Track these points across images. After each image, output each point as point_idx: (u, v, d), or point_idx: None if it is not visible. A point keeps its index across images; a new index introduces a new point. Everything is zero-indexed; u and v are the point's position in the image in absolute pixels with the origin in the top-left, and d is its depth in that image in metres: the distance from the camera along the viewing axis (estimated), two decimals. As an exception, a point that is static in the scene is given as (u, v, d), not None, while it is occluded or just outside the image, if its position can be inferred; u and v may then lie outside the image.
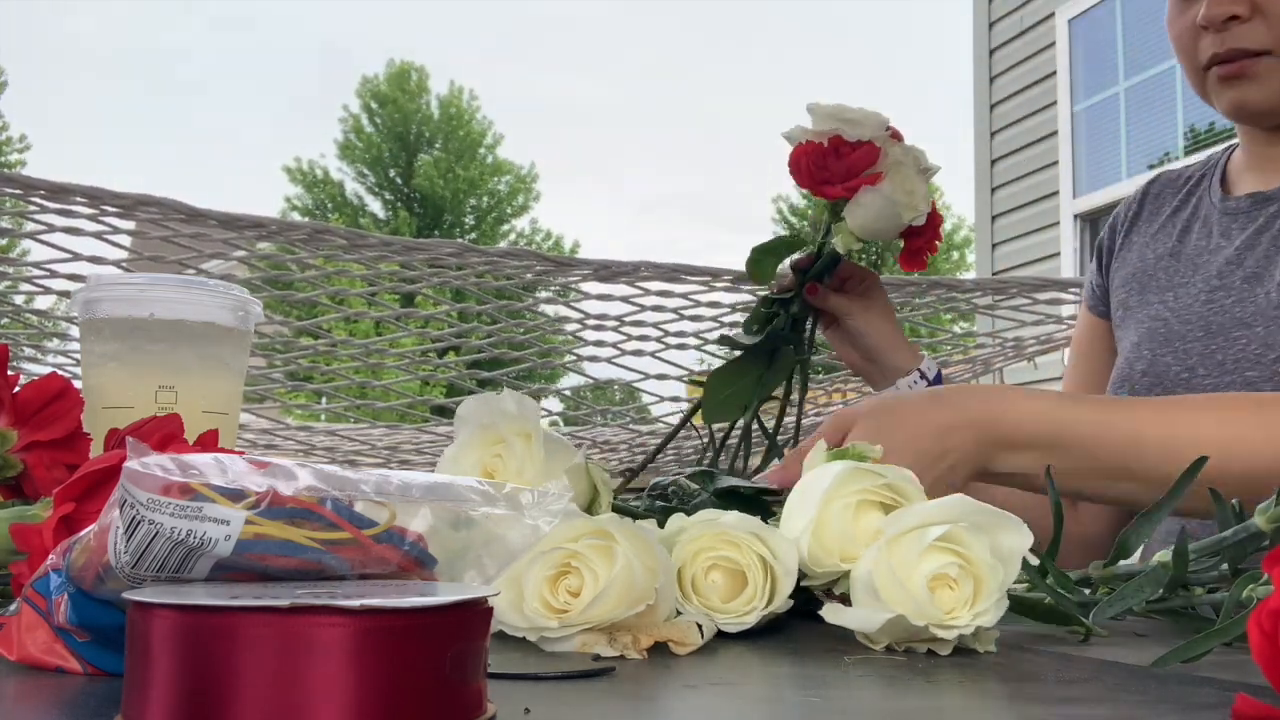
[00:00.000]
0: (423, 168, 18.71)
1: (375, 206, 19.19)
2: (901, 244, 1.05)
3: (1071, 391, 1.19)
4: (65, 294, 1.34)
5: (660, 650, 0.64)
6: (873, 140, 0.98)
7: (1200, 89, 1.04)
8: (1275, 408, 0.78)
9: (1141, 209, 1.18)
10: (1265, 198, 1.03)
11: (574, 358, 2.03)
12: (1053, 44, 5.76)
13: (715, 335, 1.93)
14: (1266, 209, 1.03)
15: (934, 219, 1.03)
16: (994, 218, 6.02)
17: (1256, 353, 0.95)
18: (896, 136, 1.02)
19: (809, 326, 1.09)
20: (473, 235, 18.82)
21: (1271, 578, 0.33)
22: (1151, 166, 5.27)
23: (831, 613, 0.59)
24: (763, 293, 1.13)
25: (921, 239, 1.03)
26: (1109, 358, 1.16)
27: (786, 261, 1.10)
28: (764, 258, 1.08)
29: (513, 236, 19.71)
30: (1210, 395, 0.93)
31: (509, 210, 19.75)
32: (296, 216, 17.06)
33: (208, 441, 0.70)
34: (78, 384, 0.79)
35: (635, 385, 2.05)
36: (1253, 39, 0.97)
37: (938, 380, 1.09)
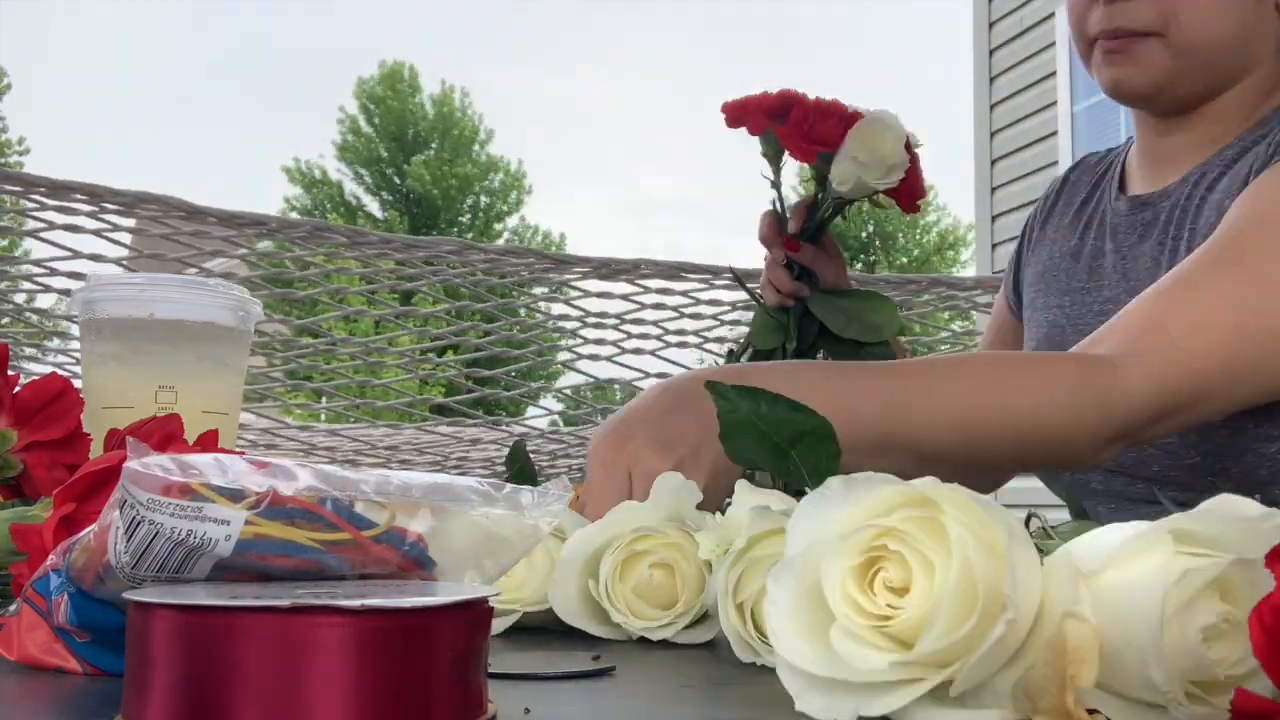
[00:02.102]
0: (415, 167, 18.74)
1: (374, 206, 19.22)
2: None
3: None
4: (65, 293, 1.34)
5: (660, 650, 0.65)
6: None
7: (1086, 62, 1.02)
8: (1009, 369, 0.78)
9: (1058, 199, 1.15)
10: (1142, 203, 1.01)
11: (574, 356, 2.03)
12: (1053, 44, 5.76)
13: (715, 333, 1.94)
14: (1143, 214, 1.00)
15: (911, 168, 1.03)
16: (994, 218, 6.03)
17: None
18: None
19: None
20: (470, 234, 18.85)
21: (1272, 574, 0.33)
22: (1151, 166, 5.29)
23: None
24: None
25: (909, 184, 1.03)
26: (1017, 343, 1.14)
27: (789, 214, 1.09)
28: (763, 323, 1.07)
29: (507, 235, 19.74)
30: (949, 359, 0.93)
31: (504, 208, 19.78)
32: (296, 216, 17.09)
33: (208, 441, 0.70)
34: (78, 384, 0.79)
35: (635, 384, 2.05)
36: (1139, 19, 0.95)
37: None
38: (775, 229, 1.07)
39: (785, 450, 0.58)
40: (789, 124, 1.02)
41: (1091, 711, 0.41)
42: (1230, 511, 0.42)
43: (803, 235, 1.05)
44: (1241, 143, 0.97)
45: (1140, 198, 1.02)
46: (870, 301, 1.02)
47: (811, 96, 1.05)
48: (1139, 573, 0.41)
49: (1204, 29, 0.94)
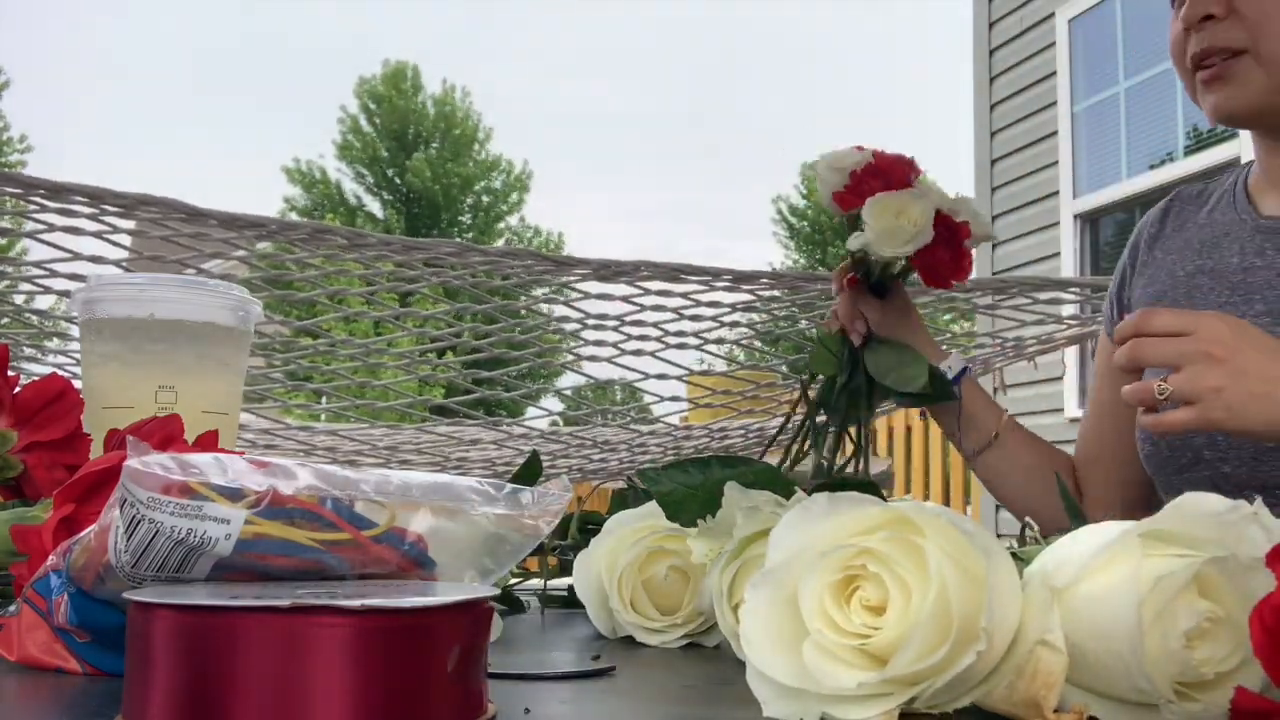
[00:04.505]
0: (415, 166, 18.75)
1: (374, 206, 19.23)
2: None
3: (1096, 418, 1.16)
4: (65, 294, 1.33)
5: (661, 650, 0.65)
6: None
7: (1192, 94, 1.02)
8: None
9: (1163, 226, 1.13)
10: None
11: (573, 357, 2.03)
12: (1053, 44, 5.76)
13: (715, 334, 1.93)
14: None
15: (948, 236, 1.06)
16: (994, 218, 6.03)
17: None
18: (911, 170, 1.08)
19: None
20: (470, 234, 18.85)
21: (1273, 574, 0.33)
22: (1152, 167, 5.27)
23: None
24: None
25: (929, 256, 1.06)
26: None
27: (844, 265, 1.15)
28: (822, 353, 1.15)
29: (508, 235, 19.75)
30: None
31: (504, 208, 19.79)
32: (295, 217, 17.08)
33: (208, 441, 0.70)
34: (78, 384, 0.79)
35: (635, 385, 2.05)
36: (1228, 37, 0.95)
37: (958, 380, 1.11)
38: (845, 271, 1.13)
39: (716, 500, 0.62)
40: (850, 178, 1.07)
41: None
42: (1196, 508, 0.43)
43: (868, 283, 1.12)
44: None
45: None
46: (904, 356, 1.09)
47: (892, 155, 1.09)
48: (1113, 582, 0.41)
49: None
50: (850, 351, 1.12)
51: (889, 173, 1.06)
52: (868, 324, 1.11)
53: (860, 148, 1.09)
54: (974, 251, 1.09)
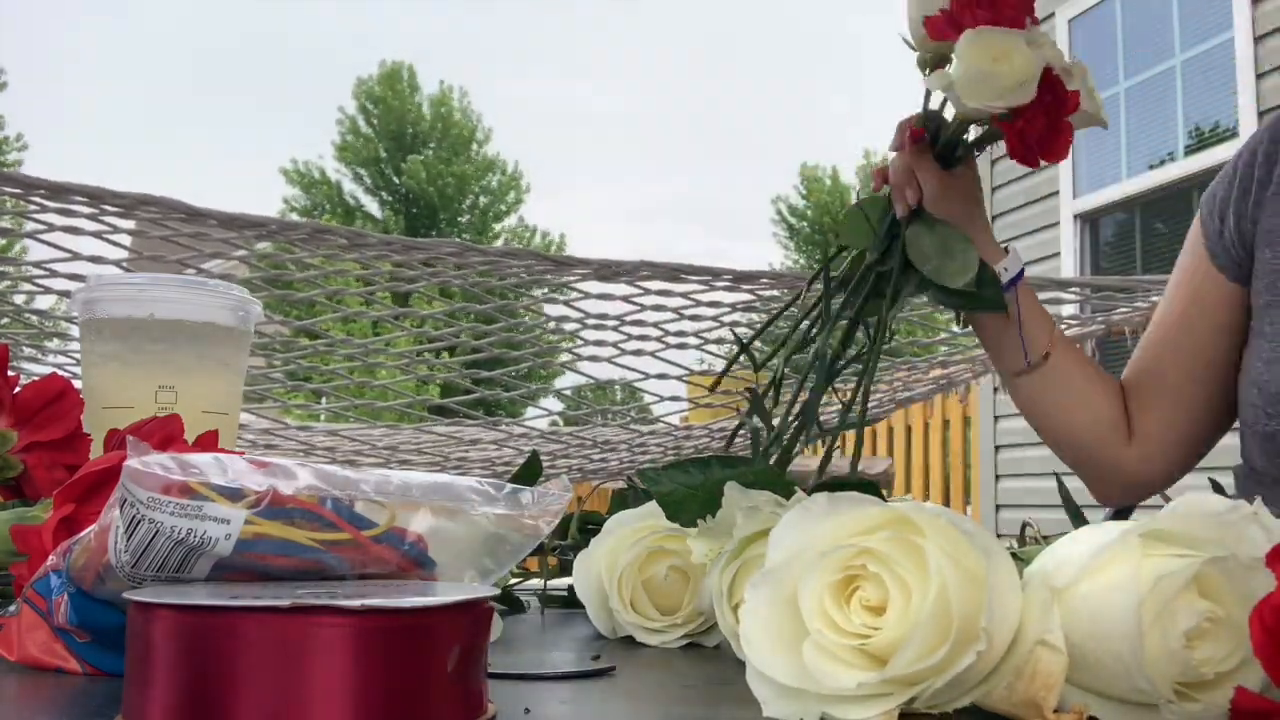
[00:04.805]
0: (412, 165, 18.77)
1: (372, 206, 19.23)
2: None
3: (1160, 334, 1.02)
4: (65, 294, 1.33)
5: (661, 650, 0.65)
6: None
7: None
8: None
9: (1271, 173, 0.95)
10: None
11: (573, 358, 2.03)
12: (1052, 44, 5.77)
13: (715, 334, 1.93)
14: None
15: (1053, 103, 0.86)
16: (994, 218, 6.03)
17: None
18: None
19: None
20: (468, 234, 18.86)
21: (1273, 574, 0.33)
22: (1152, 167, 5.27)
23: None
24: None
25: (1024, 121, 0.86)
26: (1220, 315, 0.98)
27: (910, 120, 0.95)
28: (856, 218, 0.95)
29: (506, 235, 19.76)
30: None
31: (502, 208, 19.81)
32: (294, 217, 17.09)
33: (208, 442, 0.70)
34: (78, 384, 0.79)
35: (635, 385, 2.05)
36: None
37: (1013, 284, 0.95)
38: (911, 123, 0.94)
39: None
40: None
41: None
42: (1197, 509, 0.43)
43: (935, 144, 0.93)
44: None
45: None
46: (954, 243, 0.90)
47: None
48: (1112, 582, 0.41)
49: None
50: (892, 225, 0.93)
51: (1001, 4, 0.84)
52: (921, 194, 0.92)
53: None
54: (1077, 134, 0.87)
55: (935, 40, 0.85)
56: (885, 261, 0.92)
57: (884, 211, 0.94)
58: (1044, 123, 0.86)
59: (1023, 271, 0.97)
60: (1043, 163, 0.87)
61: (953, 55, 0.85)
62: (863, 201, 0.95)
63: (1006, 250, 0.97)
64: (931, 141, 0.93)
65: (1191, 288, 1.01)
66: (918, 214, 0.93)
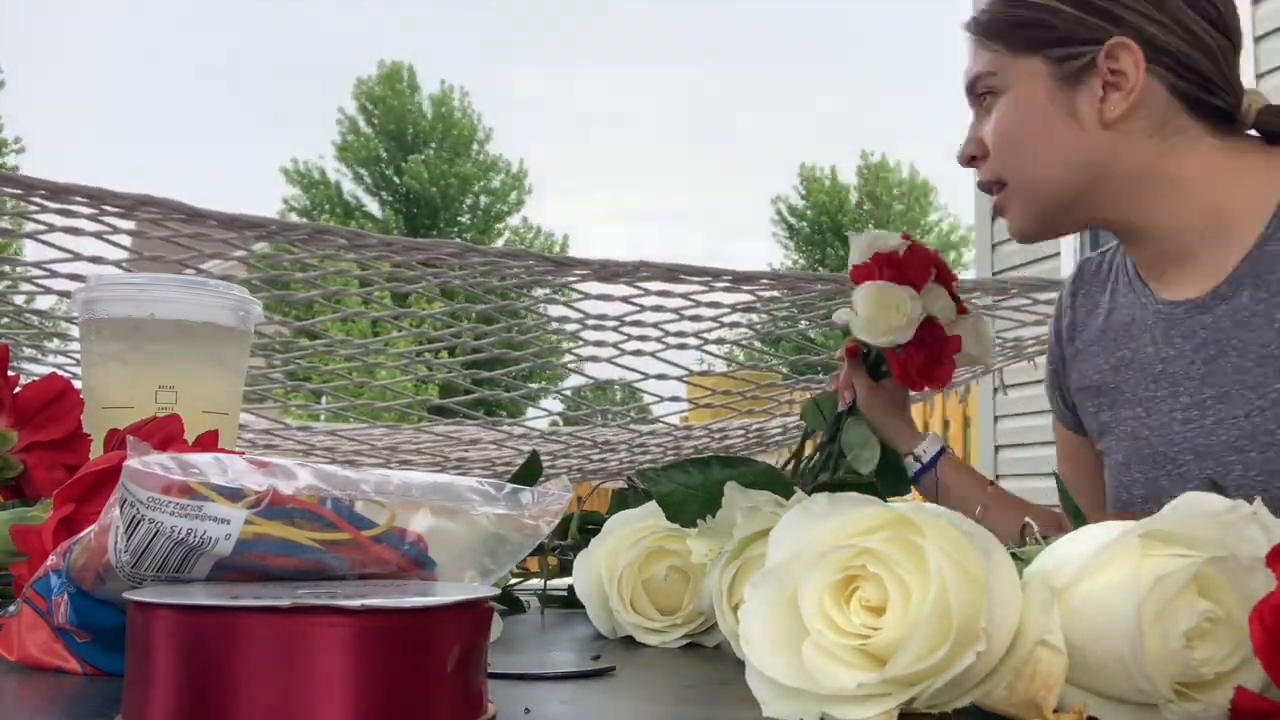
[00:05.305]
0: (413, 165, 18.77)
1: (373, 206, 19.24)
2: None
3: (1069, 482, 1.16)
4: (65, 294, 1.33)
5: (661, 650, 0.65)
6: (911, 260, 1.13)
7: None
8: None
9: (1075, 313, 1.12)
10: (1198, 306, 0.96)
11: (574, 358, 2.03)
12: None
13: (715, 335, 1.94)
14: (1201, 319, 0.96)
15: (931, 344, 1.12)
16: (994, 218, 6.03)
17: (1256, 478, 0.91)
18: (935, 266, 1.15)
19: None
20: (469, 235, 18.86)
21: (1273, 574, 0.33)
22: (1151, 167, 5.28)
23: None
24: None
25: (906, 354, 1.12)
26: (1092, 466, 1.12)
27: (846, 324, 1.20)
28: (814, 409, 1.21)
29: (508, 235, 19.76)
30: None
31: (504, 208, 19.81)
32: (294, 217, 17.09)
33: (207, 442, 0.70)
34: (78, 384, 0.79)
35: (635, 385, 2.05)
36: (989, 172, 1.03)
37: (931, 465, 1.15)
38: (854, 346, 1.19)
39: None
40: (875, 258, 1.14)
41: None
42: (1197, 508, 0.43)
43: (865, 360, 1.19)
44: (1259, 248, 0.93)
45: (1194, 301, 0.98)
46: (868, 439, 1.16)
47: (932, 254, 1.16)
48: (1113, 582, 0.41)
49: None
50: (839, 416, 1.19)
51: (906, 267, 1.11)
52: (854, 398, 1.18)
53: (906, 236, 1.15)
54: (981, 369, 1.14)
55: (855, 283, 1.13)
56: (833, 441, 1.18)
57: (833, 406, 1.21)
58: (924, 358, 1.13)
59: (943, 449, 1.17)
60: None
61: (853, 299, 1.12)
62: (819, 397, 1.23)
63: (924, 436, 1.18)
64: (864, 357, 1.18)
65: (1065, 452, 1.19)
66: (853, 410, 1.18)
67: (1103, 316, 1.09)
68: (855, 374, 1.18)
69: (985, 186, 1.05)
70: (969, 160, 1.05)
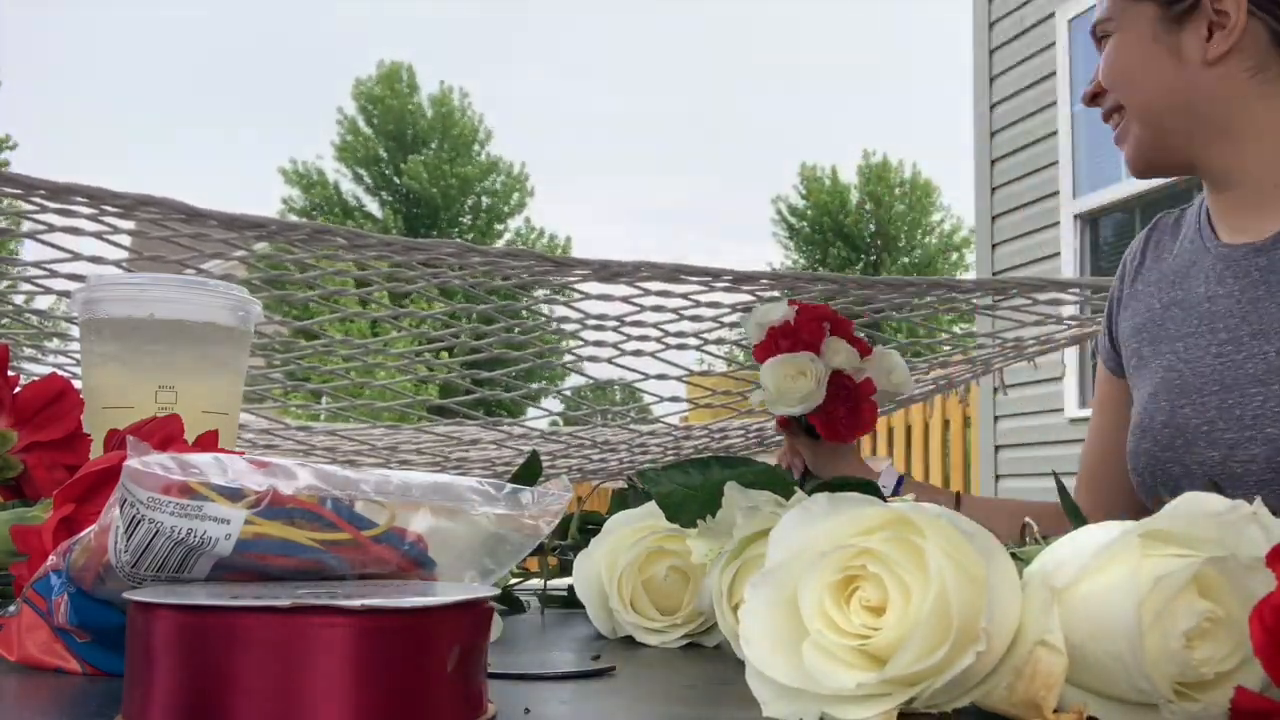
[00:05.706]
0: (413, 166, 18.75)
1: (373, 206, 19.21)
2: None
3: (1098, 440, 1.22)
4: (65, 294, 1.33)
5: (661, 650, 0.65)
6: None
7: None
8: None
9: (1144, 257, 1.18)
10: (1256, 249, 1.02)
11: (574, 358, 2.03)
12: (1053, 44, 5.75)
13: (715, 335, 1.94)
14: (1256, 261, 1.02)
15: (845, 395, 1.16)
16: (994, 218, 6.03)
17: (1275, 410, 0.95)
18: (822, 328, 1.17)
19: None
20: (470, 235, 18.85)
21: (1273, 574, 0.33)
22: (1151, 166, 5.28)
23: None
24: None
25: (825, 413, 1.16)
26: (1124, 412, 1.16)
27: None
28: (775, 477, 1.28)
29: (509, 236, 19.75)
30: None
31: (505, 209, 19.79)
32: (294, 218, 17.09)
33: (207, 442, 0.70)
34: (78, 384, 0.79)
35: (635, 385, 2.05)
36: (1106, 102, 1.09)
37: (895, 494, 1.17)
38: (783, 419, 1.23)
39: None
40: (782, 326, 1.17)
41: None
42: (1197, 508, 0.43)
43: (801, 425, 1.22)
44: None
45: (1253, 245, 1.03)
46: None
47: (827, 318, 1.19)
48: (1112, 582, 0.41)
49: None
50: (801, 481, 1.19)
51: (800, 331, 1.15)
52: (805, 462, 1.22)
53: (793, 303, 1.18)
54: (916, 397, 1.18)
55: (759, 362, 1.16)
56: None
57: (788, 481, 1.21)
58: (844, 410, 1.16)
59: (901, 479, 1.21)
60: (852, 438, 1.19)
61: (760, 378, 1.15)
62: (773, 473, 1.26)
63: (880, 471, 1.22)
64: (797, 423, 1.21)
65: (1101, 397, 1.22)
66: (807, 474, 1.22)
67: (1168, 261, 1.14)
68: (795, 442, 1.23)
69: (1106, 117, 1.10)
70: (1090, 99, 1.11)
